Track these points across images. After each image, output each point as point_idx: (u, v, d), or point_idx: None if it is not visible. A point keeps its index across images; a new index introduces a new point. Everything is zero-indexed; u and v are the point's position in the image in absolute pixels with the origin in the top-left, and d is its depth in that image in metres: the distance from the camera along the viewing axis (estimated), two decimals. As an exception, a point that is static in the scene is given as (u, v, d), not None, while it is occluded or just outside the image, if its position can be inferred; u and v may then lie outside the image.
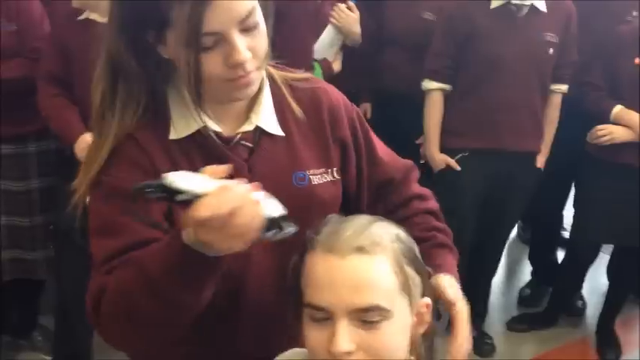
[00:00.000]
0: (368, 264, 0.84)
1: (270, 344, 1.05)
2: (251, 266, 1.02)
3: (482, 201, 2.57)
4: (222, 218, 0.76)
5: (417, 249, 0.93)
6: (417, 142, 2.68)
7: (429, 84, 2.49)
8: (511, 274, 3.41)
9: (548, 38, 2.42)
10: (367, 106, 2.97)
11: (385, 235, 0.88)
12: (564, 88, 2.53)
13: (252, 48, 0.92)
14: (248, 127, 1.03)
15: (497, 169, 2.51)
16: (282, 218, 0.83)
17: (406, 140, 2.64)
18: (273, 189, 0.93)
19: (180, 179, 0.78)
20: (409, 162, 1.22)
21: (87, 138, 2.06)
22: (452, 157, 2.51)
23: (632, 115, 2.44)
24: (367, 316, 0.83)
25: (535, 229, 3.32)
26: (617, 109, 2.46)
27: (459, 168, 2.50)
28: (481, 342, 2.75)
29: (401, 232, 0.91)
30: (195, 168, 0.93)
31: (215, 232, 0.78)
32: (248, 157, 1.03)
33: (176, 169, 0.95)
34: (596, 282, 3.16)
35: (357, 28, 2.65)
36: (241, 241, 0.80)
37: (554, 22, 2.42)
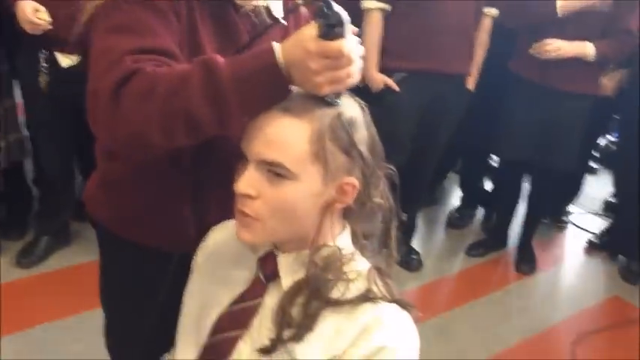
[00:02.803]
0: (285, 124, 0.87)
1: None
2: None
3: (417, 120, 2.65)
4: (348, 61, 0.83)
5: (360, 137, 0.92)
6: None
7: (368, 3, 2.52)
8: (441, 199, 3.59)
9: None
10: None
11: (323, 108, 0.88)
12: (495, 11, 2.63)
13: None
14: (260, 1, 1.06)
15: (432, 91, 2.58)
16: None
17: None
18: None
19: (340, 11, 0.82)
20: None
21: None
22: (390, 78, 2.56)
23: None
24: (272, 169, 0.87)
25: (465, 156, 3.47)
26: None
27: (398, 89, 2.56)
28: (409, 258, 2.91)
29: (347, 115, 0.90)
30: (204, 28, 0.98)
31: (324, 69, 0.83)
32: (250, 30, 1.07)
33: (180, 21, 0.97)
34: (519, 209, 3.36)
35: None
36: (328, 89, 0.85)
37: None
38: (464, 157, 3.51)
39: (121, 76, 0.88)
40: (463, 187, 3.46)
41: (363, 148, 0.92)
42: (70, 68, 2.22)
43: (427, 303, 2.72)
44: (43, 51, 2.23)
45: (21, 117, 2.67)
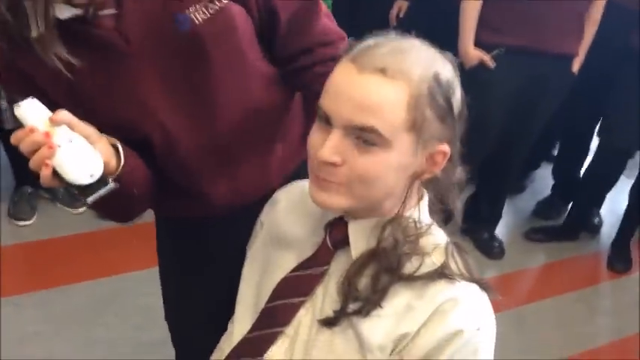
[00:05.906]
0: (381, 87, 0.77)
1: (242, 188, 1.07)
2: (165, 132, 0.99)
3: (512, 102, 2.48)
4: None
5: (455, 101, 0.82)
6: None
7: (470, -27, 2.37)
8: (531, 187, 3.39)
9: None
10: (403, 4, 2.93)
11: (421, 67, 0.79)
12: (611, -13, 2.40)
13: None
14: None
15: (533, 72, 2.40)
16: (87, 184, 0.85)
17: (444, 38, 2.57)
18: (156, 43, 0.90)
19: (27, 109, 0.82)
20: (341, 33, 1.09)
21: None
22: (487, 54, 2.40)
23: None
24: (363, 136, 0.78)
25: (563, 142, 3.26)
26: None
27: (492, 65, 2.40)
28: (491, 245, 2.77)
29: (445, 76, 0.80)
30: (75, 57, 0.86)
31: None
32: (116, 24, 0.90)
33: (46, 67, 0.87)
34: (616, 205, 3.12)
35: None
36: (46, 183, 0.83)
37: None
38: (561, 144, 3.29)
39: None
40: (556, 175, 3.24)
41: (457, 112, 0.83)
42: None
43: (506, 293, 2.57)
44: None
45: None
